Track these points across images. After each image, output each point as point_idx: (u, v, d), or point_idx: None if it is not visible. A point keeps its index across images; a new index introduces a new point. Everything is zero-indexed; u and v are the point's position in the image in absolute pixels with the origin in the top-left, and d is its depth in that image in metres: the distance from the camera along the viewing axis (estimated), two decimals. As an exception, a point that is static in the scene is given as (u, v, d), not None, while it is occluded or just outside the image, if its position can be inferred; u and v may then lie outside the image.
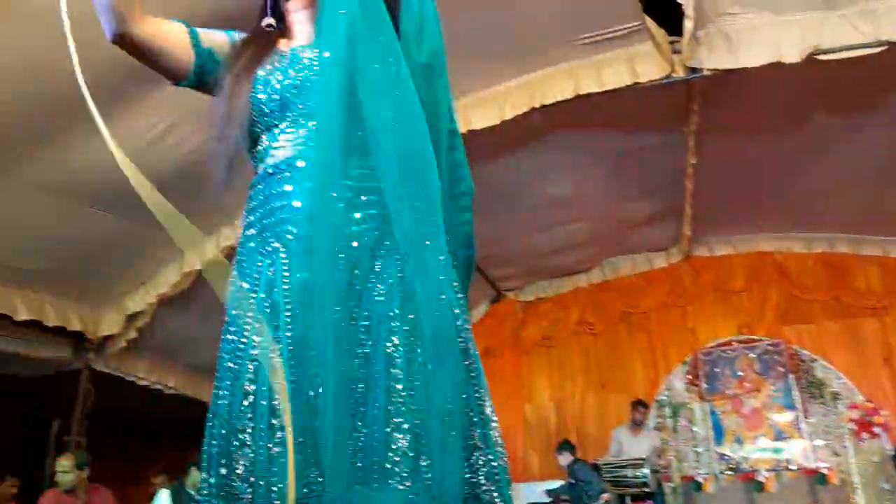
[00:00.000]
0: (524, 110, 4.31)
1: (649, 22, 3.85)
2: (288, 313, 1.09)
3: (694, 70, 4.07)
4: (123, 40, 1.20)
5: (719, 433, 6.98)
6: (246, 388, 1.09)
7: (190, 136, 4.09)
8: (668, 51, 4.00)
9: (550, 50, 4.22)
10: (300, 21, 1.34)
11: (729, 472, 6.81)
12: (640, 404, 6.61)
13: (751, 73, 3.96)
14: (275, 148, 1.24)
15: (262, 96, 1.24)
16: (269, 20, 1.33)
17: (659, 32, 3.92)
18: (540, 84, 4.27)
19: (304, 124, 1.22)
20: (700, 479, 6.81)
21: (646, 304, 7.62)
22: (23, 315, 4.75)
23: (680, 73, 4.10)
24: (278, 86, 1.24)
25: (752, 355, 7.13)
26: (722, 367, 7.18)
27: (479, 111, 4.37)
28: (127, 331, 5.42)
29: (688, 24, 3.69)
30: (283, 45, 1.32)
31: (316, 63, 1.23)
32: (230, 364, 1.13)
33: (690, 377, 7.25)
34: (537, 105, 4.26)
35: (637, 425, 6.50)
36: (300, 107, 1.23)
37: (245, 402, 1.08)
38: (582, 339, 7.81)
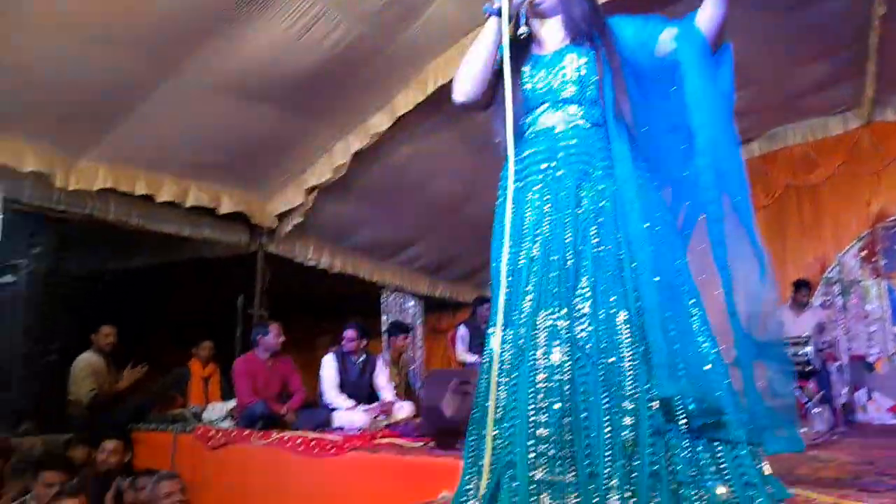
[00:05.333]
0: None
1: None
2: (537, 233, 1.62)
3: None
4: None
5: (896, 312, 6.47)
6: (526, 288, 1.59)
7: (332, 29, 4.15)
8: None
9: None
10: (549, 30, 1.79)
11: (904, 353, 6.36)
12: (802, 285, 6.23)
13: None
14: (536, 122, 1.73)
15: (529, 86, 1.73)
16: (524, 29, 1.73)
17: None
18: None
19: (561, 107, 1.70)
20: (871, 359, 6.42)
21: (816, 175, 6.99)
22: (200, 202, 5.24)
23: None
24: (541, 83, 1.73)
25: (940, 230, 6.42)
26: (904, 242, 6.55)
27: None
28: (291, 217, 5.85)
29: None
30: (535, 49, 1.79)
31: (580, 60, 1.71)
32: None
33: (866, 252, 6.68)
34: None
35: (800, 306, 6.17)
36: (559, 96, 1.70)
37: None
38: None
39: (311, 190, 5.60)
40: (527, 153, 1.71)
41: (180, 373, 5.99)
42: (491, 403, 1.51)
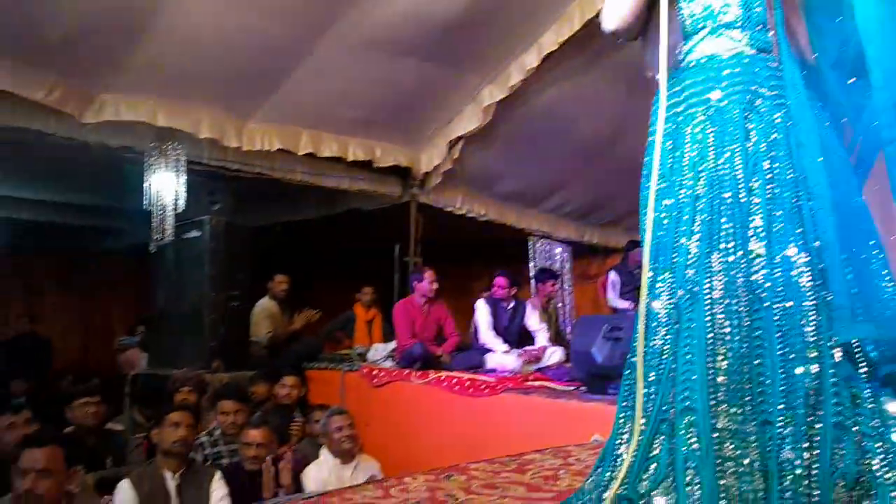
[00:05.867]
0: None
1: None
2: (701, 169, 1.53)
3: None
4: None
5: None
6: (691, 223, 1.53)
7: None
8: None
9: None
10: None
11: None
12: None
13: None
14: (694, 50, 1.63)
15: (686, 11, 1.64)
16: None
17: None
18: None
19: (722, 33, 1.60)
20: None
21: None
22: (356, 157, 5.53)
23: None
24: (699, 7, 1.63)
25: None
26: None
27: None
28: (441, 166, 6.00)
29: None
30: None
31: None
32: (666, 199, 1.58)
33: None
34: None
35: None
36: (719, 20, 1.60)
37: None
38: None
39: (459, 138, 5.70)
40: (685, 84, 1.61)
41: (347, 316, 6.48)
42: (639, 346, 1.50)
